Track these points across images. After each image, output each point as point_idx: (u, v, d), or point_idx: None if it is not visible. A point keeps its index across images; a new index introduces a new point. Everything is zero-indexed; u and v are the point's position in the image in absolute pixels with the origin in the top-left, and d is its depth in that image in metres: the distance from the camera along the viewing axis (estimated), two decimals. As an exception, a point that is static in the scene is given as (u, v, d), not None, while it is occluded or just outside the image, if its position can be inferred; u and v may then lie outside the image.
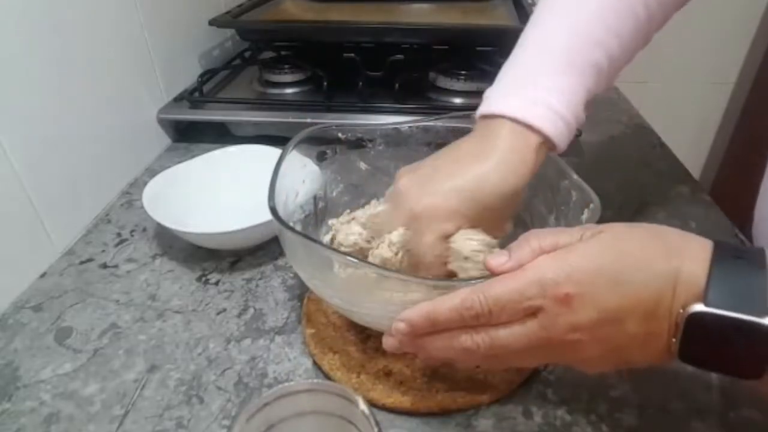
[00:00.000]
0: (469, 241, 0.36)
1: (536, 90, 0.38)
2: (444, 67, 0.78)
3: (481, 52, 0.79)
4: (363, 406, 0.27)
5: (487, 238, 0.36)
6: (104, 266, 0.53)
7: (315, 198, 0.48)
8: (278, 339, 0.45)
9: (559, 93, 0.38)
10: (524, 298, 0.29)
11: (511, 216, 0.41)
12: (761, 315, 0.25)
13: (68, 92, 0.55)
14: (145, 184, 0.54)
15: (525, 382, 0.40)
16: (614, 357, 0.30)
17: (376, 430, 0.26)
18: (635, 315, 0.28)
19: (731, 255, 0.27)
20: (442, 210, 0.36)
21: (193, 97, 0.74)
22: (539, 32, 0.41)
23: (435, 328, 0.31)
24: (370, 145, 0.49)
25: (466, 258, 0.36)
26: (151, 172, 0.68)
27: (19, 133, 0.49)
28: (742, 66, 1.48)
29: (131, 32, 0.67)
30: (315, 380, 0.40)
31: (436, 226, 0.36)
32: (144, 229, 0.58)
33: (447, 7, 0.96)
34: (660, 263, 0.28)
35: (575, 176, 0.40)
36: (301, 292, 0.49)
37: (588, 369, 0.31)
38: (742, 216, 0.58)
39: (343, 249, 0.40)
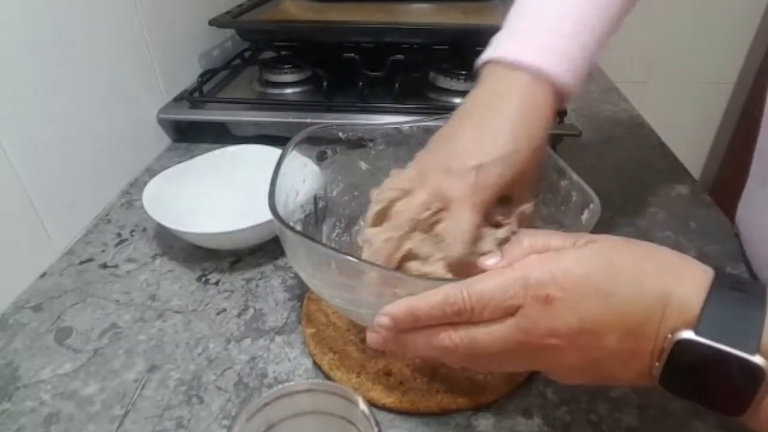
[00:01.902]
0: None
1: (545, 36, 0.37)
2: (444, 67, 0.78)
3: (481, 52, 0.79)
4: (363, 406, 0.27)
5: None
6: (104, 266, 0.53)
7: (315, 198, 0.48)
8: (278, 339, 0.45)
9: (571, 37, 0.37)
10: (507, 296, 0.28)
11: (536, 171, 0.39)
12: (751, 352, 0.24)
13: (68, 92, 0.55)
14: (145, 184, 0.54)
15: (525, 382, 0.40)
16: (592, 369, 0.29)
17: (376, 430, 0.26)
18: (618, 330, 0.27)
19: (731, 286, 0.26)
20: (475, 188, 0.35)
21: (193, 97, 0.74)
22: None
23: (417, 323, 0.31)
24: (370, 144, 0.49)
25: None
26: (151, 172, 0.68)
27: (19, 133, 0.49)
28: (742, 66, 1.48)
29: (131, 32, 0.67)
30: (315, 380, 0.40)
31: (474, 206, 0.35)
32: (144, 229, 0.58)
33: (447, 7, 0.96)
34: (651, 280, 0.27)
35: (575, 176, 0.40)
36: (301, 292, 0.49)
37: (566, 379, 0.31)
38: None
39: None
